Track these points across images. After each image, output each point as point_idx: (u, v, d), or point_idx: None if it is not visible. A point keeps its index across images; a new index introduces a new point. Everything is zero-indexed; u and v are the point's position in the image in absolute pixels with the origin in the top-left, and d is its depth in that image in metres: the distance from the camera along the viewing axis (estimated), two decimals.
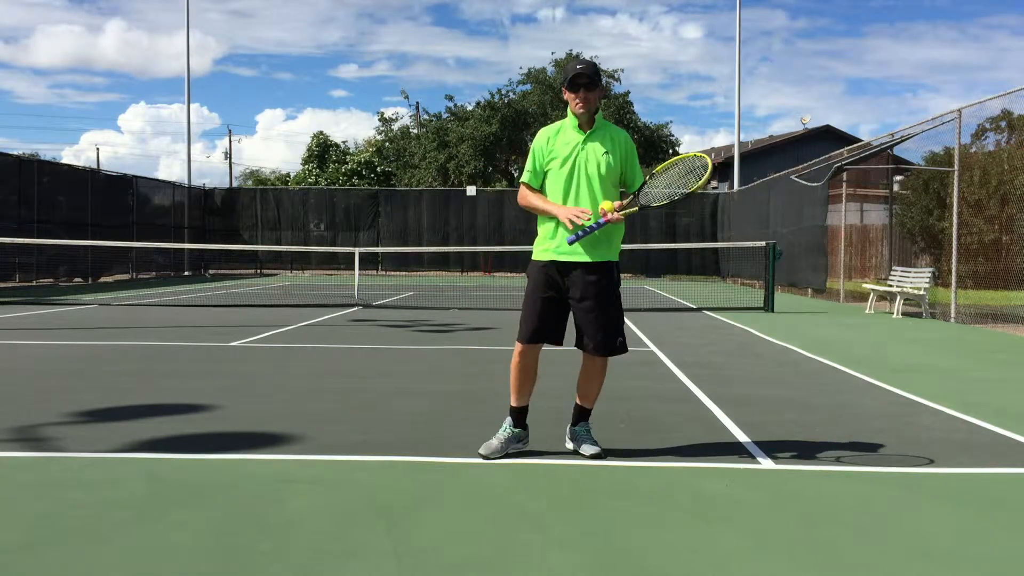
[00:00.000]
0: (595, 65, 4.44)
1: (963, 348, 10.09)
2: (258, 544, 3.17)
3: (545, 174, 4.47)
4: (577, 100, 4.37)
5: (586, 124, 4.44)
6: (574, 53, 41.47)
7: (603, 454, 4.48)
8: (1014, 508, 3.78)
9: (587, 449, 4.51)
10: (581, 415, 4.61)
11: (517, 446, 4.54)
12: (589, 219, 4.26)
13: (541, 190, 4.51)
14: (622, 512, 3.61)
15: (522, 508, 3.65)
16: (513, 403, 4.53)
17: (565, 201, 4.40)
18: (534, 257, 4.52)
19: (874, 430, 5.31)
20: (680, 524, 3.47)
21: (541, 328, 4.40)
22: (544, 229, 4.47)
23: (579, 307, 4.37)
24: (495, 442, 4.48)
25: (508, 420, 4.54)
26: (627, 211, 4.38)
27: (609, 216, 4.28)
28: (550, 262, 4.40)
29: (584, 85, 4.36)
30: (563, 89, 4.44)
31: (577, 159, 4.39)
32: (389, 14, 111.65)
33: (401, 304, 16.35)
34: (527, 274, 4.58)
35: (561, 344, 4.50)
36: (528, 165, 4.52)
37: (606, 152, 4.41)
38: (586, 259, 4.36)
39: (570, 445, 4.63)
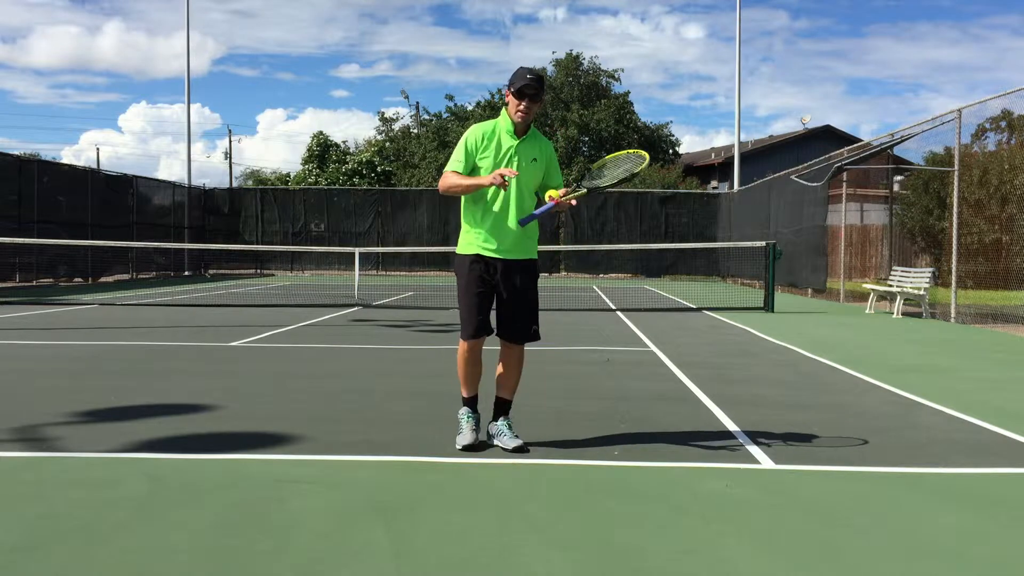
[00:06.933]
0: (543, 78, 4.61)
1: (963, 348, 10.09)
2: (258, 544, 3.17)
3: (474, 169, 4.61)
4: (520, 108, 4.52)
5: (521, 131, 4.61)
6: (575, 53, 41.52)
7: (526, 447, 4.59)
8: (1014, 508, 3.78)
9: (510, 442, 4.60)
10: (501, 409, 4.74)
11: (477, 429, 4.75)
12: (516, 176, 4.43)
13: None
14: (621, 512, 3.61)
15: (521, 508, 3.65)
16: (466, 394, 4.78)
17: (491, 201, 4.58)
18: (461, 251, 4.70)
19: (874, 430, 5.31)
20: (679, 524, 3.47)
21: (483, 323, 4.65)
22: (470, 222, 4.65)
23: (505, 299, 4.64)
24: (468, 433, 4.67)
25: (466, 410, 4.76)
26: (575, 195, 4.50)
27: (558, 200, 4.42)
28: (479, 256, 4.61)
29: (531, 96, 4.51)
30: (507, 91, 4.60)
31: (509, 163, 4.55)
32: (390, 14, 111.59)
33: (401, 304, 16.36)
34: (455, 270, 4.76)
35: (492, 332, 4.72)
36: (458, 155, 4.62)
37: (534, 159, 4.63)
38: (514, 257, 4.63)
39: (494, 441, 4.71)
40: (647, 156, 4.69)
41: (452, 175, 4.60)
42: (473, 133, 4.64)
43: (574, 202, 4.47)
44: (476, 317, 4.62)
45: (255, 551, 3.10)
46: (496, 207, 4.57)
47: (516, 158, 4.57)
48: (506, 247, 4.60)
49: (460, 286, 4.70)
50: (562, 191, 4.49)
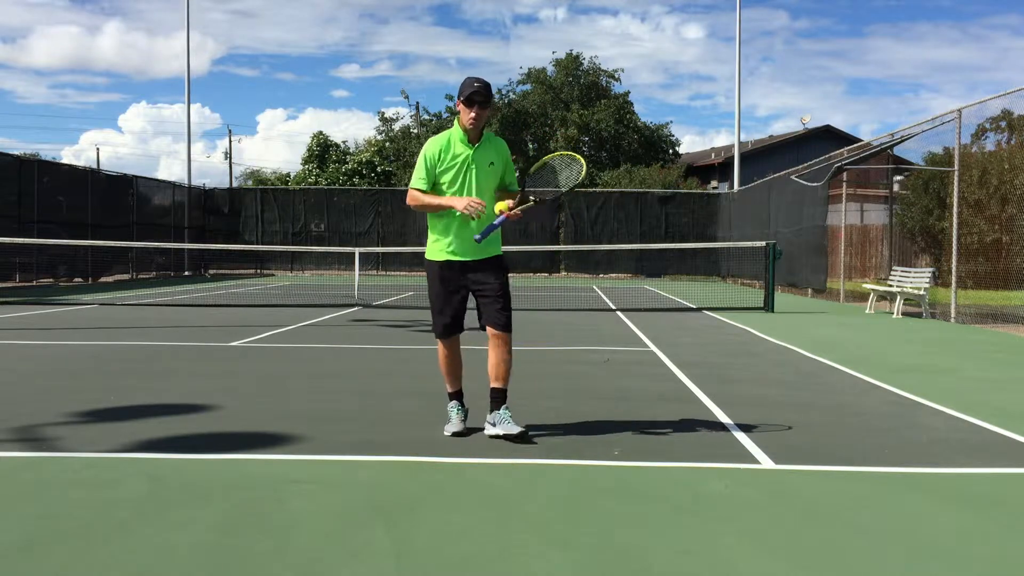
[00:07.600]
0: (490, 85, 4.85)
1: (963, 348, 10.09)
2: (258, 544, 3.17)
3: (436, 183, 4.86)
4: (471, 115, 4.75)
5: (475, 138, 4.84)
6: (575, 53, 41.53)
7: (527, 434, 4.72)
8: (1014, 508, 3.78)
9: (513, 428, 4.70)
10: (498, 398, 4.86)
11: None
12: (484, 210, 4.69)
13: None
14: (621, 512, 3.61)
15: (521, 508, 3.65)
16: (451, 389, 5.10)
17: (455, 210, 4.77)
18: (429, 257, 4.98)
19: (874, 430, 5.31)
20: (680, 524, 3.47)
21: (452, 323, 4.98)
22: (437, 230, 4.92)
23: (482, 295, 4.89)
24: (457, 423, 4.98)
25: (454, 403, 5.06)
26: (523, 206, 4.78)
27: (508, 214, 4.73)
28: (447, 261, 4.89)
29: (479, 103, 4.74)
30: (457, 101, 4.81)
31: (468, 171, 4.81)
32: (390, 14, 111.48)
33: (401, 304, 16.36)
34: (425, 272, 5.05)
35: (463, 330, 5.03)
36: (419, 172, 4.87)
37: (491, 163, 4.88)
38: (481, 256, 4.88)
39: (491, 431, 4.83)
40: (584, 162, 5.02)
41: (419, 194, 4.85)
42: (430, 148, 4.86)
43: (520, 214, 4.74)
44: (445, 318, 4.95)
45: (255, 551, 3.10)
46: (460, 215, 4.79)
47: (474, 166, 4.81)
48: (473, 250, 4.85)
49: (431, 289, 5.00)
50: (510, 202, 4.75)
